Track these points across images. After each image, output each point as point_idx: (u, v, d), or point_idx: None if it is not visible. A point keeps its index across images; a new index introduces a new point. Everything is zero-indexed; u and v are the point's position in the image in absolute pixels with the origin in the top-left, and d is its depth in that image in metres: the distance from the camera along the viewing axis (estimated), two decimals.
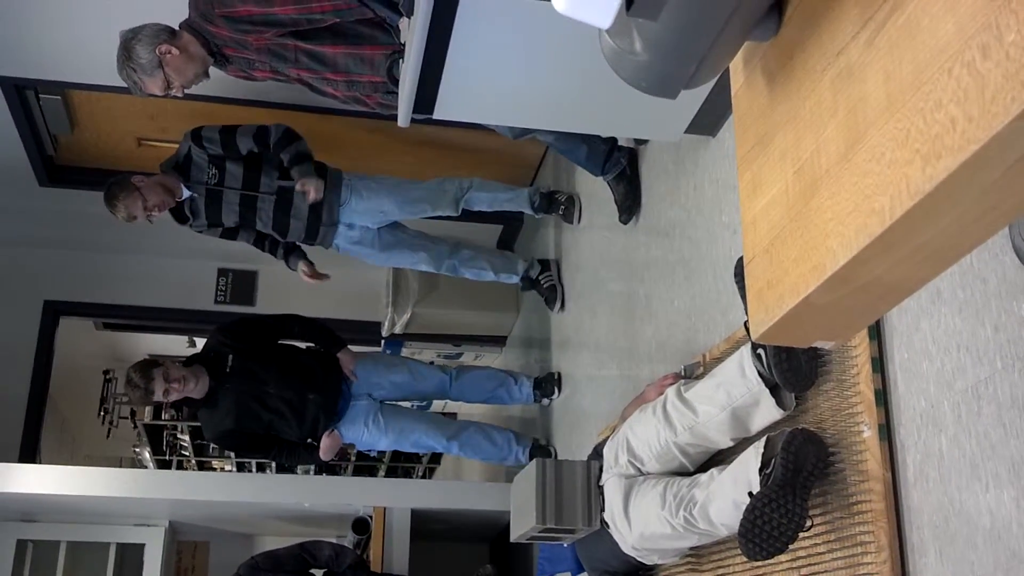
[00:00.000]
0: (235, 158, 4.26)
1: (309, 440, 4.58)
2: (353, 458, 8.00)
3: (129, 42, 3.60)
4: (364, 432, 4.60)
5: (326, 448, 4.52)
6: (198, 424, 5.02)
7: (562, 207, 4.52)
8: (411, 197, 4.44)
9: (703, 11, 1.18)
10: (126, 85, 3.71)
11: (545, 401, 4.83)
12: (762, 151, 1.32)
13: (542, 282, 4.80)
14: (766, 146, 1.31)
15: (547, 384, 4.79)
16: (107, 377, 7.95)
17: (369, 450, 4.88)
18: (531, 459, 4.72)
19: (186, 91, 3.73)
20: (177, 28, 3.62)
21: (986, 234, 1.06)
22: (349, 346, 4.68)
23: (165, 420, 7.81)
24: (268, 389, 4.43)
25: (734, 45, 1.29)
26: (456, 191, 4.46)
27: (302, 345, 4.77)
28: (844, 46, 1.14)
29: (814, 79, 1.20)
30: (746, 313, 1.44)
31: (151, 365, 4.31)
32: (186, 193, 4.30)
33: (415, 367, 4.80)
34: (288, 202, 4.32)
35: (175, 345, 7.66)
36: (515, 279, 4.84)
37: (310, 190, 4.16)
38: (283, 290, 5.92)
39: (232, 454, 7.43)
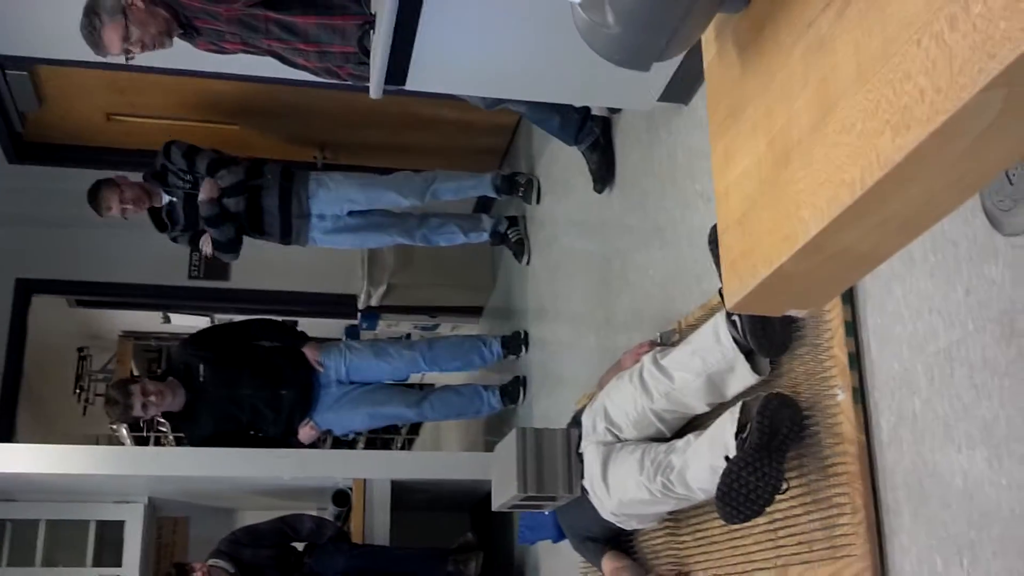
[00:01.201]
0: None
1: (288, 431, 4.74)
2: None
3: None
4: (338, 417, 4.79)
5: (304, 436, 4.73)
6: None
7: (521, 188, 4.72)
8: (378, 188, 4.66)
9: None
10: (85, 42, 3.56)
11: (512, 357, 4.96)
12: (734, 123, 1.33)
13: (510, 236, 4.98)
14: (738, 118, 1.32)
15: (514, 342, 4.94)
16: (81, 354, 7.91)
17: (346, 434, 5.01)
18: (503, 397, 4.93)
19: (148, 51, 3.60)
20: None
21: (956, 203, 1.08)
22: (313, 339, 4.86)
23: None
24: (243, 391, 4.61)
25: (705, 17, 1.29)
26: (421, 182, 4.66)
27: (267, 343, 4.90)
28: (814, 18, 1.14)
29: (785, 51, 1.21)
30: (720, 280, 1.46)
31: (128, 382, 4.53)
32: (166, 198, 4.52)
33: (381, 349, 4.91)
34: (258, 200, 4.52)
35: (149, 321, 7.61)
36: (485, 236, 5.00)
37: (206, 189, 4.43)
38: (257, 265, 5.89)
39: None
